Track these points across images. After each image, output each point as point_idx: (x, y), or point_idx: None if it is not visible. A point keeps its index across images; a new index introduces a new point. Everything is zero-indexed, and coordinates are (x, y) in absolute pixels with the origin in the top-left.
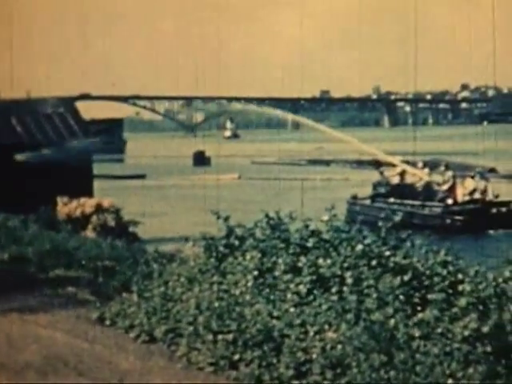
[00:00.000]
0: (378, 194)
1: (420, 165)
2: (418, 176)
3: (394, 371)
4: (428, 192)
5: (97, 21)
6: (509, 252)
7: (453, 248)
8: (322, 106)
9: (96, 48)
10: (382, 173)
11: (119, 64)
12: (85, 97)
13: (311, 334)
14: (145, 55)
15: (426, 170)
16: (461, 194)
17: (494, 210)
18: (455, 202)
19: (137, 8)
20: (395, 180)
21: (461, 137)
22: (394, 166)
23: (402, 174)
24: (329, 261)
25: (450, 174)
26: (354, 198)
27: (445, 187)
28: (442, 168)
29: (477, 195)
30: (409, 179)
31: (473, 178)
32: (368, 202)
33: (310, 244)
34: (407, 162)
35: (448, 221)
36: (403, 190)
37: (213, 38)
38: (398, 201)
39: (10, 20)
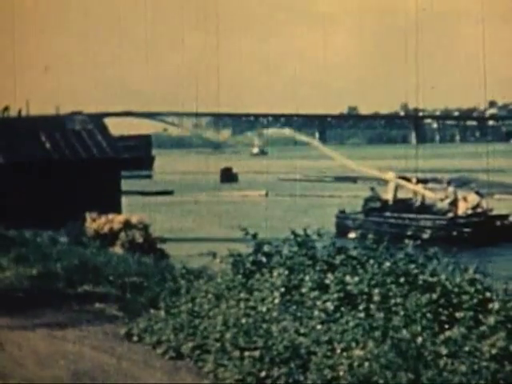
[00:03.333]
0: (372, 208)
1: (414, 180)
2: (412, 191)
3: None
4: (423, 206)
5: (123, 41)
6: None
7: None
8: (350, 123)
9: (122, 65)
10: (373, 189)
11: (147, 81)
12: (114, 113)
13: (338, 351)
14: (171, 72)
15: (421, 185)
16: (463, 208)
17: (498, 223)
18: (456, 216)
19: (158, 22)
20: (388, 195)
21: (488, 154)
22: (405, 182)
23: (396, 189)
24: (356, 278)
25: (451, 189)
26: (343, 212)
27: (447, 202)
28: (445, 184)
29: (479, 209)
30: (401, 195)
31: (477, 193)
32: (361, 216)
33: (337, 261)
34: (403, 178)
35: (454, 233)
36: (398, 205)
37: (238, 55)
38: (396, 214)
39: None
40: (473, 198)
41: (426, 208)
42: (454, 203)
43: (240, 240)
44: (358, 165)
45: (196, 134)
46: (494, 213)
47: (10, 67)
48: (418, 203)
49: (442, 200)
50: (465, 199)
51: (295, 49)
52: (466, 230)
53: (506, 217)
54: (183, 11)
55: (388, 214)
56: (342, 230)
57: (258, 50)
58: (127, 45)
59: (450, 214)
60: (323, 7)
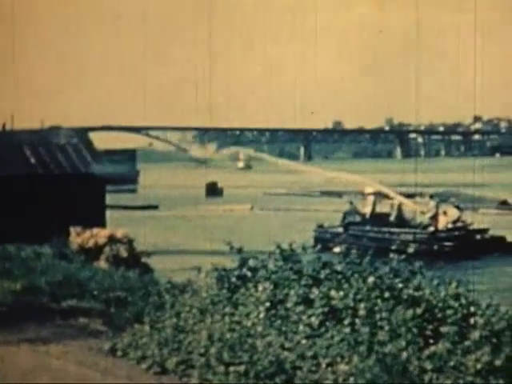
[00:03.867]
0: (352, 222)
1: (392, 194)
2: (390, 205)
3: None
4: (401, 220)
5: (107, 51)
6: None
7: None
8: (335, 138)
9: (108, 79)
10: (351, 203)
11: (131, 95)
12: (98, 128)
13: (323, 366)
14: (156, 86)
15: (401, 198)
16: (443, 222)
17: (478, 237)
18: (437, 230)
19: (147, 38)
20: (367, 210)
21: (473, 169)
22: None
23: (374, 203)
24: (341, 292)
25: (432, 203)
26: (321, 226)
27: (428, 215)
28: (427, 198)
29: (459, 223)
30: (380, 209)
31: (457, 207)
32: (340, 229)
33: (322, 276)
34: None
35: (436, 247)
36: (376, 219)
37: (224, 70)
38: (376, 228)
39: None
40: (453, 213)
41: (403, 221)
42: (434, 217)
43: (225, 254)
44: (331, 173)
45: (181, 150)
46: (475, 227)
47: None
48: (392, 217)
49: (423, 213)
50: (445, 213)
51: (280, 63)
52: (448, 243)
53: (485, 231)
54: (165, 28)
55: (368, 227)
56: (320, 244)
57: (243, 65)
58: (113, 58)
59: (431, 228)
60: (310, 22)
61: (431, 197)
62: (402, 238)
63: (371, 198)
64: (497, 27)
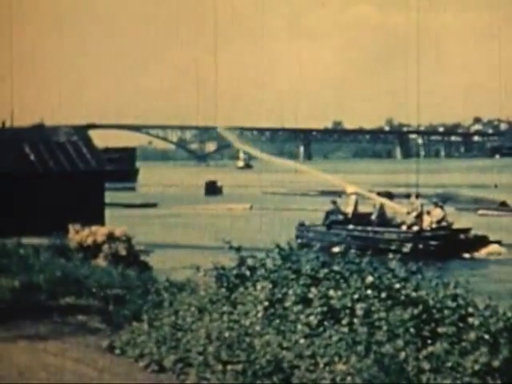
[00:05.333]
0: (335, 221)
1: (373, 195)
2: (373, 205)
3: None
4: (382, 219)
5: (109, 49)
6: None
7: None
8: (335, 137)
9: (108, 77)
10: (334, 202)
11: (131, 93)
12: (98, 126)
13: (321, 365)
14: (158, 84)
15: (384, 199)
16: (427, 222)
17: (462, 236)
18: (421, 229)
19: (148, 37)
20: (349, 209)
21: (472, 170)
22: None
23: (356, 203)
24: (339, 292)
25: (418, 203)
26: (302, 225)
27: (412, 215)
28: (413, 198)
29: (444, 223)
30: (362, 209)
31: (442, 207)
32: (322, 228)
33: (320, 275)
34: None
35: (420, 246)
36: (358, 218)
37: (226, 68)
38: (360, 227)
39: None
40: (437, 213)
41: (385, 221)
42: (419, 217)
43: (223, 252)
44: (318, 174)
45: (181, 147)
46: (459, 226)
47: None
48: (374, 216)
49: (408, 213)
50: (429, 213)
51: (280, 63)
52: (432, 242)
53: (468, 230)
54: (166, 26)
55: (351, 226)
56: (301, 243)
57: (243, 64)
58: (114, 57)
59: (416, 228)
60: (311, 21)
61: (417, 196)
62: (386, 236)
63: (353, 198)
64: (498, 27)
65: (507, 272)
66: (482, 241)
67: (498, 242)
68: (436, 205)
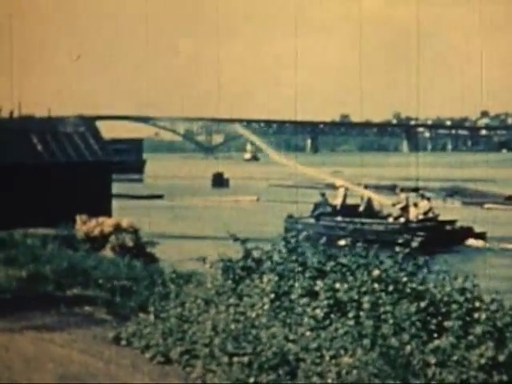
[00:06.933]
0: (323, 213)
1: (361, 188)
2: (361, 197)
3: None
4: (369, 211)
5: (115, 40)
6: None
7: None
8: (342, 130)
9: (114, 68)
10: (323, 194)
11: (139, 84)
12: (105, 116)
13: (327, 358)
14: (164, 76)
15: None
16: (414, 213)
17: (448, 227)
18: (407, 221)
19: (155, 27)
20: (337, 201)
21: (479, 163)
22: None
23: (345, 195)
24: (346, 285)
25: (403, 196)
26: (291, 217)
27: (398, 207)
28: (398, 191)
29: (430, 215)
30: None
31: (428, 199)
32: (311, 220)
33: (327, 268)
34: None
35: (407, 237)
36: (346, 210)
37: (233, 60)
38: (348, 219)
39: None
40: (424, 204)
41: (372, 213)
42: (405, 209)
43: (230, 244)
44: (309, 170)
45: (188, 139)
46: (444, 218)
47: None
48: (361, 208)
49: (393, 205)
50: (415, 205)
51: (288, 56)
52: (419, 234)
53: (454, 222)
54: (174, 17)
55: (339, 218)
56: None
57: (251, 56)
58: (121, 48)
59: (402, 219)
60: (318, 14)
61: (402, 190)
62: (374, 228)
63: (342, 190)
64: (503, 21)
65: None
66: (468, 232)
67: (483, 234)
68: (422, 197)
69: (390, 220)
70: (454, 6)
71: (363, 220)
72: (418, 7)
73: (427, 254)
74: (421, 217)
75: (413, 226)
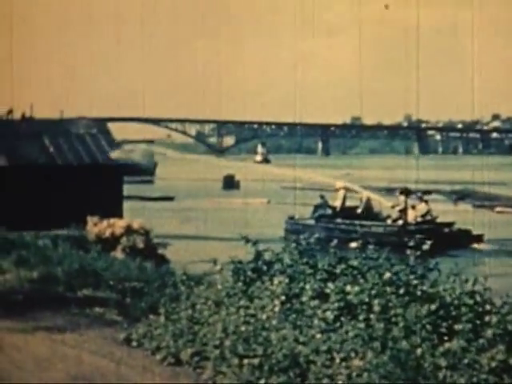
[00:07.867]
0: (323, 215)
1: (357, 188)
2: (359, 199)
3: None
4: (368, 213)
5: (126, 42)
6: None
7: None
8: (353, 133)
9: (127, 70)
10: (322, 196)
11: (151, 87)
12: (117, 118)
13: (337, 360)
14: (176, 78)
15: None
16: (412, 216)
17: (447, 230)
18: (406, 223)
19: (167, 28)
20: (337, 203)
21: (490, 167)
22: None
23: (344, 197)
24: (356, 288)
25: (402, 198)
26: (292, 218)
27: (397, 209)
28: (397, 193)
29: (428, 217)
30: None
31: (426, 202)
32: (311, 222)
33: (337, 270)
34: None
35: (405, 239)
36: (346, 212)
37: (243, 63)
38: (347, 221)
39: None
40: (422, 207)
41: (371, 214)
42: (403, 211)
43: (240, 246)
44: (308, 173)
45: (199, 141)
46: (443, 220)
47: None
48: (360, 210)
49: (392, 207)
50: (414, 208)
51: (299, 58)
52: (417, 236)
53: (451, 224)
54: (187, 18)
55: (339, 220)
56: (291, 236)
57: (262, 58)
58: (131, 51)
59: (400, 221)
60: (329, 16)
61: (401, 192)
62: (373, 230)
63: (342, 192)
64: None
65: None
66: (466, 235)
67: (480, 236)
68: (421, 199)
69: (389, 222)
70: (468, 10)
71: (362, 222)
72: (432, 11)
73: (431, 257)
74: (419, 219)
75: (410, 229)
